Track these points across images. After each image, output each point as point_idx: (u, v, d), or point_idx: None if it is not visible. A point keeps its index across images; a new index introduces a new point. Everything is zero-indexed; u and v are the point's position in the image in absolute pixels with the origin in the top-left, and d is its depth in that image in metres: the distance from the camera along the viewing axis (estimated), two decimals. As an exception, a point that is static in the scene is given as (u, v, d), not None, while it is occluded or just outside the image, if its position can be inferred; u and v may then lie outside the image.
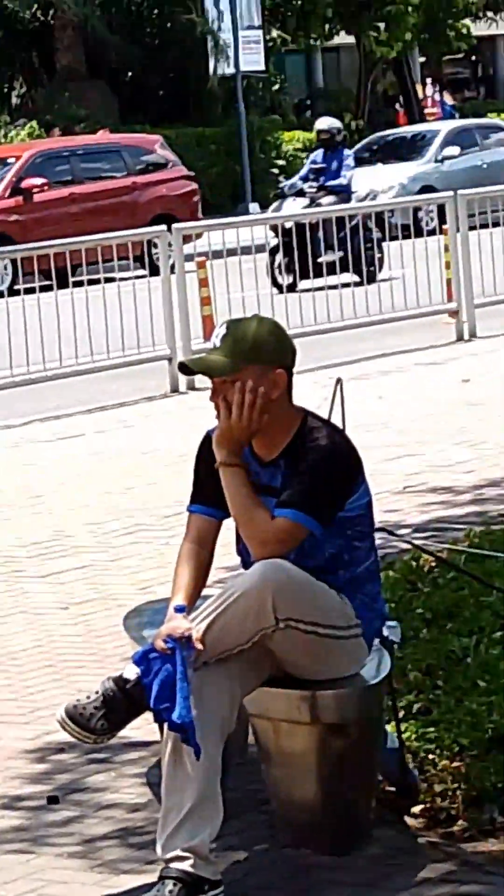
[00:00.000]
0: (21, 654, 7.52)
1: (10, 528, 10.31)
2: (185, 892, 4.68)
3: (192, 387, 14.56)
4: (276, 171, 40.26)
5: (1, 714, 6.72)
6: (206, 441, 5.34)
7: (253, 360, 5.09)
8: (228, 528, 5.31)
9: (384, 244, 20.78)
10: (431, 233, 20.60)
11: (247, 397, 5.07)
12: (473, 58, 61.04)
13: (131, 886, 4.93)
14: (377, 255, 20.69)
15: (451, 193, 18.15)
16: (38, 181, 27.98)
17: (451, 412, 13.20)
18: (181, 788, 4.81)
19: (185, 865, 4.71)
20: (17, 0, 40.83)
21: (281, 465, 5.15)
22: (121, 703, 5.03)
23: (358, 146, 36.23)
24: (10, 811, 5.67)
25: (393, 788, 5.34)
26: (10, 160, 28.91)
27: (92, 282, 16.83)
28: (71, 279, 17.29)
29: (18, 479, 12.10)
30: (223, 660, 4.93)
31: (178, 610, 5.04)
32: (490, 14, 52.01)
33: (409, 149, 33.78)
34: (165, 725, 4.87)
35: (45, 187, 27.94)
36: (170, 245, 16.17)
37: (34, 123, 37.12)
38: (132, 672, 4.99)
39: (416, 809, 5.28)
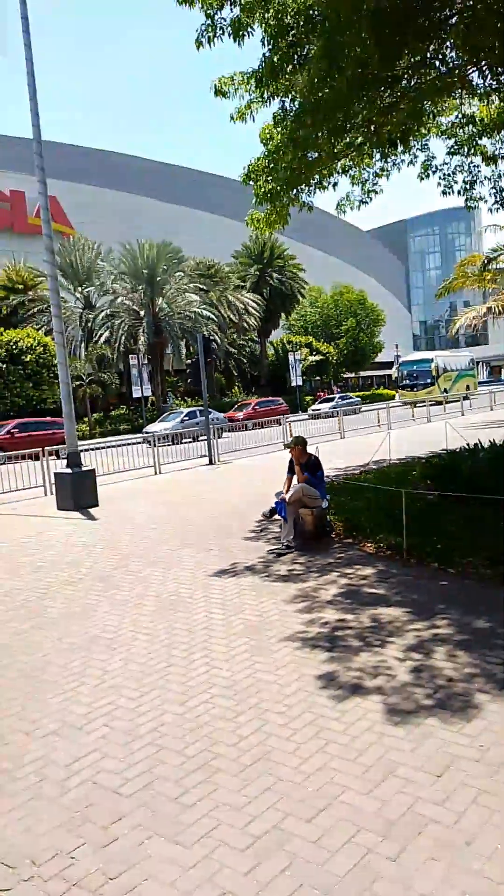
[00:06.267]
0: (229, 502, 13.58)
1: (204, 505, 15.03)
2: (282, 552, 9.25)
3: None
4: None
5: (229, 526, 11.71)
6: (290, 464, 10.52)
7: (301, 442, 10.42)
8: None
9: None
10: None
11: (305, 450, 9.71)
12: None
13: (272, 556, 9.60)
14: None
15: None
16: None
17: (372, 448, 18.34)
18: (286, 528, 10.36)
19: (285, 543, 9.82)
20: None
21: (304, 466, 9.76)
22: (270, 512, 11.10)
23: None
24: (250, 558, 9.97)
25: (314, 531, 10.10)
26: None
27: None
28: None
29: (194, 489, 17.31)
30: (293, 503, 10.17)
31: (277, 494, 10.53)
32: None
33: None
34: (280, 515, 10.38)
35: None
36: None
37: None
38: (273, 504, 10.50)
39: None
